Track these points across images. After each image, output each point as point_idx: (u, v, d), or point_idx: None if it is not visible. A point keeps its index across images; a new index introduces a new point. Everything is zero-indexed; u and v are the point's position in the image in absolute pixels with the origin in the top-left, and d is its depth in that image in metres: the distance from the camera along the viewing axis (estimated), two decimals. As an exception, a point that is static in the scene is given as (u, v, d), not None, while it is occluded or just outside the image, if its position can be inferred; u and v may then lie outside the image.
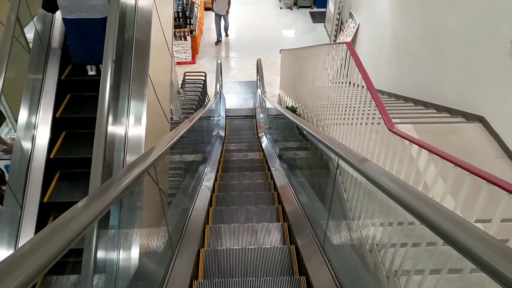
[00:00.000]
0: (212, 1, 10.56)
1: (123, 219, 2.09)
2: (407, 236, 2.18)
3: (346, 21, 8.99)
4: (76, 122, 3.45)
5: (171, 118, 5.56)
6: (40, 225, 2.94)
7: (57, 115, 3.35)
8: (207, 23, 11.96)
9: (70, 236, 0.92)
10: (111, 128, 2.62)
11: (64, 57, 3.60)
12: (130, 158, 2.66)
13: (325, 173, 3.29)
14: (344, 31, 8.88)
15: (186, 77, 7.70)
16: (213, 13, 10.77)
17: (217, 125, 6.96)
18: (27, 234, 2.87)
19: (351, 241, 2.71)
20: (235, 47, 11.10)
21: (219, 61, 8.08)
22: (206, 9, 12.49)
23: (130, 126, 2.81)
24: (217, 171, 4.88)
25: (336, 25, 9.54)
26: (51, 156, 3.19)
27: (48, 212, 3.06)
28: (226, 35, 11.49)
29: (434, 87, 5.03)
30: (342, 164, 2.41)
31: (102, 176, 2.11)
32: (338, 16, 9.34)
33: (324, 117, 4.25)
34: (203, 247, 3.00)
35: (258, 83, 8.63)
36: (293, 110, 5.84)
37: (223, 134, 6.84)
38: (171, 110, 5.12)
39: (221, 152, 5.79)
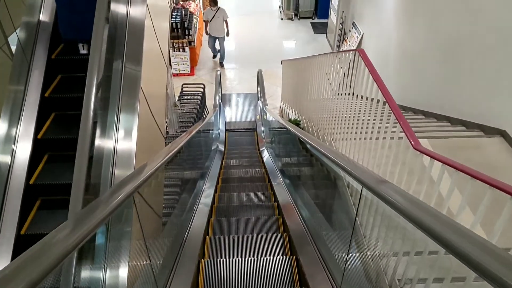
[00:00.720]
0: (206, 24, 9.70)
1: (111, 239, 1.93)
2: (443, 269, 1.83)
3: (349, 31, 8.76)
4: (66, 103, 3.23)
5: (167, 132, 5.26)
6: (24, 212, 2.70)
7: (46, 94, 3.14)
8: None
9: (47, 266, 0.84)
10: (98, 142, 2.42)
11: (55, 36, 3.38)
12: (119, 173, 2.41)
13: (332, 191, 3.01)
14: (347, 41, 8.65)
15: (184, 89, 7.43)
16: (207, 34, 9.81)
17: (216, 139, 6.65)
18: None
19: (367, 273, 2.38)
20: (235, 58, 10.87)
21: (218, 73, 7.82)
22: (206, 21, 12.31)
23: (120, 140, 2.58)
24: (216, 189, 4.56)
25: (338, 35, 9.31)
26: (39, 136, 2.98)
27: (34, 196, 2.85)
28: (221, 65, 10.31)
29: (446, 98, 4.73)
30: (353, 183, 2.16)
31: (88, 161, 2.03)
32: (341, 26, 9.13)
33: (331, 132, 3.94)
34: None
35: (259, 95, 8.35)
36: (296, 123, 5.54)
37: (223, 149, 6.52)
38: (166, 124, 4.82)
39: (221, 166, 5.47)
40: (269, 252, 3.09)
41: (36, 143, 2.93)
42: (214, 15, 9.38)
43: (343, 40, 9.13)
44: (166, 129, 4.98)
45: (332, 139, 3.88)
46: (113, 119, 2.68)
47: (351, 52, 3.30)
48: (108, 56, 3.19)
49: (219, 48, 10.27)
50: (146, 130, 3.19)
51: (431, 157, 1.83)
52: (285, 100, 7.95)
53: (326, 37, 11.37)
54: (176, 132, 5.72)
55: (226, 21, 9.50)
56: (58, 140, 3.05)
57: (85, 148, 2.02)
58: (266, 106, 6.64)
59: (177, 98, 7.30)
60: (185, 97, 7.34)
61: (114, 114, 2.70)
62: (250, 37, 11.84)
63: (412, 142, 2.01)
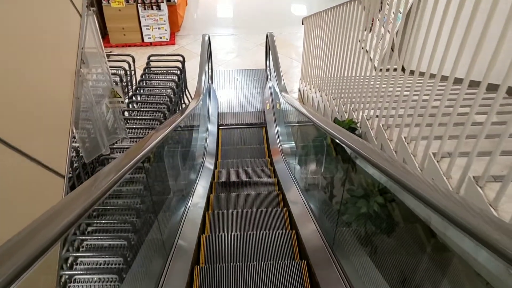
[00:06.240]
0: None
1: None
2: None
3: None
4: None
5: (76, 158, 2.56)
6: None
7: None
8: (194, -10, 8.86)
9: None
10: None
11: None
12: None
13: None
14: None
15: (152, 64, 4.67)
16: None
17: (202, 148, 3.97)
18: None
19: None
20: (232, 21, 8.03)
21: (206, 38, 5.04)
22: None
23: None
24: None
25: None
26: None
27: None
28: None
29: None
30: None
31: None
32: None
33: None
34: None
35: (269, 72, 5.62)
36: (350, 127, 2.86)
37: (212, 166, 3.85)
38: (74, 139, 2.14)
39: (203, 225, 2.84)
40: None
41: None
42: None
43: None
44: (75, 152, 2.31)
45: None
46: None
47: None
48: None
49: None
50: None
51: None
52: (309, 81, 5.22)
53: (355, -8, 8.48)
54: (119, 142, 3.05)
55: None
56: None
57: None
58: (283, 94, 3.91)
59: (138, 77, 4.56)
60: (154, 76, 4.61)
61: None
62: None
63: None
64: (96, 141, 2.46)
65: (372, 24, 3.15)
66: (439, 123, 1.81)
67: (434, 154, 1.84)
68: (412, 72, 2.11)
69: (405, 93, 2.19)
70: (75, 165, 2.97)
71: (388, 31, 2.80)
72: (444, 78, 1.79)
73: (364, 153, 1.55)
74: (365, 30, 3.22)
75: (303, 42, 5.65)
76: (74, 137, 2.16)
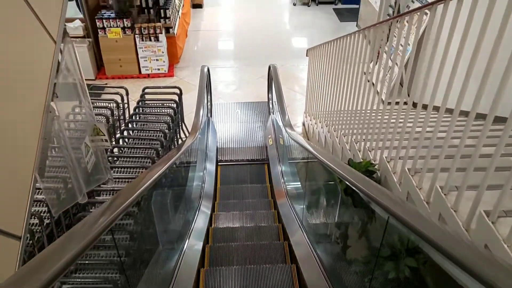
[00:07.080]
0: None
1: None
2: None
3: (408, 7, 5.76)
4: None
5: (40, 221, 2.16)
6: None
7: None
8: (195, 22, 8.76)
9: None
10: None
11: None
12: None
13: None
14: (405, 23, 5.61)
15: (147, 97, 4.36)
16: (202, 9, 7.13)
17: (198, 190, 3.57)
18: None
19: None
20: (233, 53, 7.85)
21: (205, 69, 4.76)
22: (195, 5, 9.34)
23: None
24: None
25: (388, 15, 6.29)
26: None
27: None
28: None
29: None
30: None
31: None
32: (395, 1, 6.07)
33: None
34: None
35: (272, 105, 5.32)
36: (367, 170, 2.48)
37: (209, 210, 3.43)
38: (35, 190, 1.76)
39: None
40: None
41: None
42: None
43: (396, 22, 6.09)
44: (49, 198, 1.93)
45: None
46: None
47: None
48: None
49: None
50: None
51: None
52: (315, 115, 4.90)
53: (357, 25, 8.39)
54: (100, 188, 2.66)
55: None
56: None
57: None
58: (288, 130, 3.56)
59: (132, 110, 4.23)
60: (148, 110, 4.29)
61: None
62: (254, 26, 8.85)
63: None
64: (71, 188, 2.08)
65: (378, 55, 2.94)
66: (495, 167, 1.44)
67: (487, 212, 1.45)
68: (450, 111, 1.76)
69: (442, 129, 1.83)
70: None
71: (396, 64, 2.52)
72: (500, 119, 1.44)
73: (401, 214, 1.17)
74: (371, 62, 3.03)
75: (307, 74, 5.39)
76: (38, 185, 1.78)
